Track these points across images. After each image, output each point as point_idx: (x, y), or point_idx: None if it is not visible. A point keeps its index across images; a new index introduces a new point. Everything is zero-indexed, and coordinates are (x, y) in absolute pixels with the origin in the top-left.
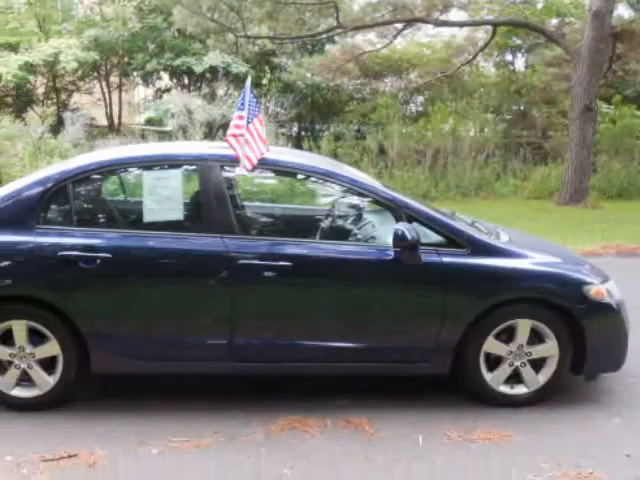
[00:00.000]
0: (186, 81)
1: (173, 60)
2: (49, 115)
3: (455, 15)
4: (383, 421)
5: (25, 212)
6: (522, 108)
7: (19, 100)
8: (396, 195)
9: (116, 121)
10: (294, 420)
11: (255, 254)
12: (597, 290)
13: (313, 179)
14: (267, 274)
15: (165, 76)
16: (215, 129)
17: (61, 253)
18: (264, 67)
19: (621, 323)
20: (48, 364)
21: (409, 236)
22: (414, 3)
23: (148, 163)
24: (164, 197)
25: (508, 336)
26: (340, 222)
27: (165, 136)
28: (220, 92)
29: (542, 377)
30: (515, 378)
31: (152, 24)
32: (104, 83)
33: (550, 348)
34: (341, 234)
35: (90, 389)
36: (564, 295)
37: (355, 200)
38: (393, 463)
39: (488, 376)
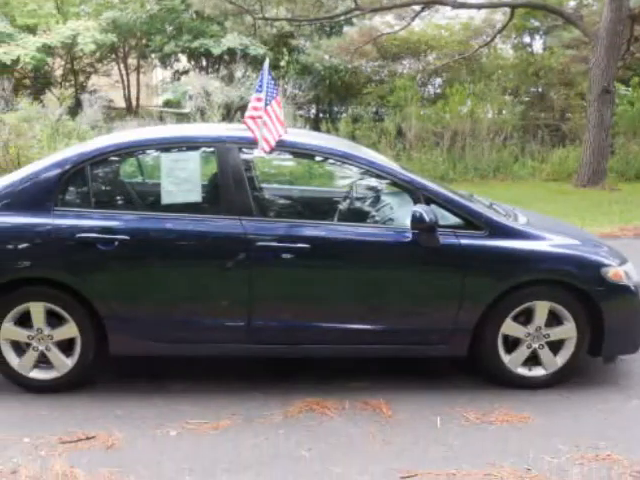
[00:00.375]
0: (204, 63)
1: (191, 42)
2: (67, 97)
3: None
4: (401, 403)
5: (43, 194)
6: (540, 90)
7: (37, 82)
8: (414, 177)
9: (134, 103)
10: (312, 402)
11: (273, 236)
12: (615, 272)
13: (331, 161)
14: (285, 256)
15: (183, 58)
16: (233, 111)
17: (79, 235)
18: (282, 49)
19: (639, 305)
20: (66, 346)
21: (427, 218)
22: None
23: (166, 145)
24: (182, 179)
25: (526, 318)
26: (358, 204)
27: (183, 118)
28: (238, 74)
29: (560, 359)
30: (533, 360)
31: (170, 6)
32: (122, 65)
33: (568, 330)
34: (359, 216)
35: (108, 371)
36: (582, 277)
37: (373, 182)
38: (411, 445)
39: (506, 358)
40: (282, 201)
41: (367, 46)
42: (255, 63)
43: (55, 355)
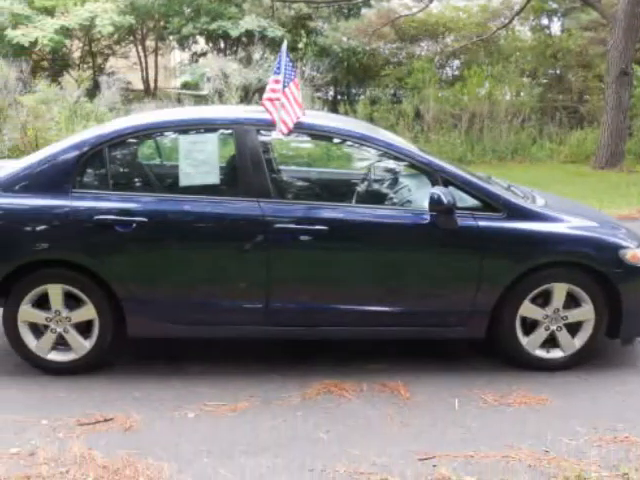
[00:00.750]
0: (222, 45)
1: (209, 24)
2: (85, 79)
3: None
4: (419, 385)
5: (61, 176)
6: (558, 72)
7: (55, 64)
8: (432, 159)
9: (152, 85)
10: (330, 384)
11: (291, 218)
12: (633, 254)
13: (349, 143)
14: (303, 238)
15: (201, 40)
16: (251, 93)
17: (97, 217)
18: (300, 31)
19: None
20: (84, 328)
21: (445, 200)
22: None
23: (184, 127)
24: (200, 161)
25: (544, 300)
26: (376, 186)
27: (201, 100)
28: (256, 56)
29: (578, 341)
30: (551, 342)
31: None
32: (140, 47)
33: (586, 312)
34: (377, 198)
35: (126, 353)
36: (600, 259)
37: (391, 164)
38: (429, 427)
39: (524, 340)
40: (300, 183)
41: (385, 28)
42: (273, 45)
43: (73, 337)
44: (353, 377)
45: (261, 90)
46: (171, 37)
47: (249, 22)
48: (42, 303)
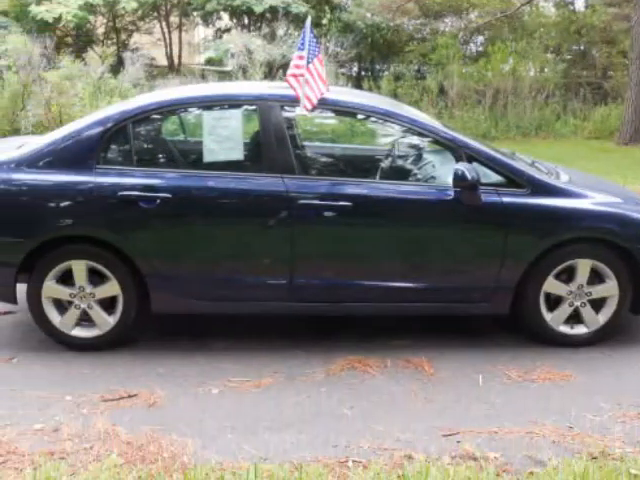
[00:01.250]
0: (246, 21)
1: (233, 0)
2: (109, 55)
3: None
4: (443, 361)
5: (85, 152)
6: (582, 48)
7: (79, 40)
8: (456, 135)
9: (176, 61)
10: (354, 360)
11: (315, 194)
12: None
13: (373, 119)
14: (327, 214)
15: (225, 16)
16: (275, 69)
17: (121, 193)
18: (324, 7)
19: None
20: (108, 304)
21: (469, 176)
22: None
23: (208, 103)
24: (224, 137)
25: (568, 276)
26: (400, 162)
27: (225, 76)
28: (280, 32)
29: (602, 317)
30: (575, 318)
31: None
32: (164, 23)
33: (610, 288)
34: (401, 174)
35: (150, 329)
36: (624, 235)
37: (415, 140)
38: (453, 403)
39: (548, 316)
40: (324, 159)
41: (409, 4)
42: (297, 21)
43: (97, 313)
44: (377, 353)
45: (285, 66)
46: (195, 13)
47: None
48: (66, 279)
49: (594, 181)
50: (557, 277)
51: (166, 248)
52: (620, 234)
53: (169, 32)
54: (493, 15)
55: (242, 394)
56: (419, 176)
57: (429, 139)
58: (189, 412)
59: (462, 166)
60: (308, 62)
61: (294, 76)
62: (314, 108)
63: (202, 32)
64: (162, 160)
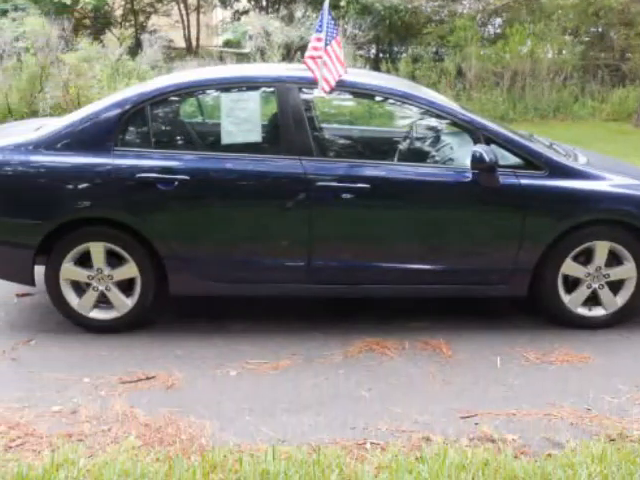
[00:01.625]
0: (264, 3)
1: None
2: (127, 37)
3: None
4: (461, 343)
5: (103, 134)
6: (600, 30)
7: (97, 22)
8: (474, 117)
9: (194, 43)
10: (372, 342)
11: (333, 176)
12: None
13: (391, 101)
14: (345, 196)
15: None
16: (293, 51)
17: (139, 175)
18: None
19: None
20: (126, 286)
21: (487, 158)
22: None
23: (226, 85)
24: (242, 119)
25: (586, 258)
26: (418, 144)
27: (243, 58)
28: (298, 14)
29: (620, 299)
30: (593, 300)
31: None
32: (182, 5)
33: (628, 270)
34: (419, 156)
35: (168, 311)
36: None
37: (433, 122)
38: (471, 385)
39: (566, 298)
40: (342, 141)
41: None
42: (315, 3)
43: (115, 295)
44: (395, 335)
45: (303, 48)
46: None
47: None
48: (84, 261)
49: (612, 163)
50: (575, 259)
51: (184, 230)
52: (638, 216)
53: (187, 14)
54: None
55: (260, 376)
56: (437, 158)
57: (447, 121)
58: (207, 394)
59: (480, 148)
60: (326, 44)
61: (312, 58)
62: (332, 90)
63: (220, 14)
64: (180, 142)
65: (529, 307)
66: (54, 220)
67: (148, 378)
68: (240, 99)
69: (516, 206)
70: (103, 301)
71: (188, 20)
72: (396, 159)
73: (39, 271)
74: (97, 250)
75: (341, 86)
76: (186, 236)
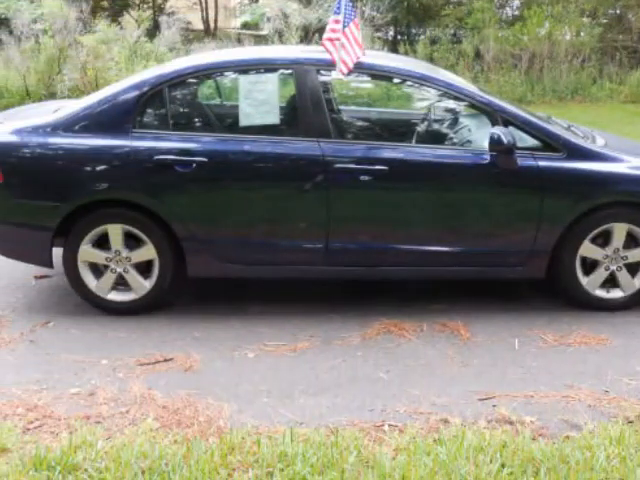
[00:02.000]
0: None
1: None
2: (145, 19)
3: None
4: (479, 325)
5: (121, 116)
6: (618, 12)
7: (115, 4)
8: (492, 99)
9: (212, 25)
10: (390, 324)
11: (351, 158)
12: None
13: (409, 83)
14: (363, 178)
15: None
16: (311, 33)
17: (157, 157)
18: None
19: None
20: (144, 268)
21: (505, 140)
22: None
23: (244, 67)
24: (260, 101)
25: (604, 240)
26: (436, 126)
27: (261, 40)
28: None
29: (638, 281)
30: (611, 282)
31: None
32: None
33: None
34: (437, 138)
35: (186, 293)
36: None
37: (451, 104)
38: (489, 367)
39: (584, 280)
40: (360, 123)
41: None
42: None
43: (133, 277)
44: (413, 317)
45: (321, 30)
46: None
47: None
48: (102, 243)
49: (630, 145)
50: (593, 241)
51: (202, 212)
52: None
53: None
54: None
55: (278, 358)
56: (455, 140)
57: (465, 103)
58: (225, 376)
59: (498, 130)
60: (344, 26)
61: (330, 40)
62: (350, 72)
63: None
64: (198, 124)
65: (547, 289)
66: (72, 202)
67: (166, 360)
68: (258, 81)
69: (534, 188)
70: (121, 283)
71: (206, 2)
72: (414, 141)
73: (57, 253)
74: (115, 232)
75: (359, 68)
76: (204, 218)
